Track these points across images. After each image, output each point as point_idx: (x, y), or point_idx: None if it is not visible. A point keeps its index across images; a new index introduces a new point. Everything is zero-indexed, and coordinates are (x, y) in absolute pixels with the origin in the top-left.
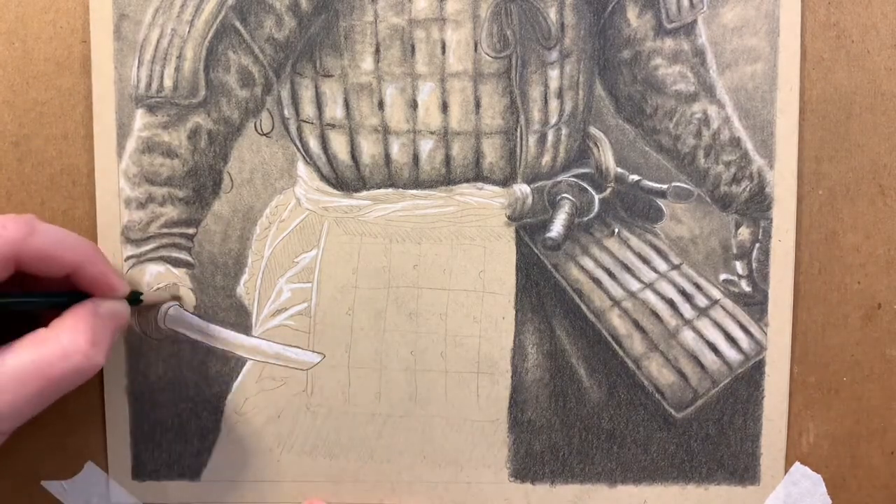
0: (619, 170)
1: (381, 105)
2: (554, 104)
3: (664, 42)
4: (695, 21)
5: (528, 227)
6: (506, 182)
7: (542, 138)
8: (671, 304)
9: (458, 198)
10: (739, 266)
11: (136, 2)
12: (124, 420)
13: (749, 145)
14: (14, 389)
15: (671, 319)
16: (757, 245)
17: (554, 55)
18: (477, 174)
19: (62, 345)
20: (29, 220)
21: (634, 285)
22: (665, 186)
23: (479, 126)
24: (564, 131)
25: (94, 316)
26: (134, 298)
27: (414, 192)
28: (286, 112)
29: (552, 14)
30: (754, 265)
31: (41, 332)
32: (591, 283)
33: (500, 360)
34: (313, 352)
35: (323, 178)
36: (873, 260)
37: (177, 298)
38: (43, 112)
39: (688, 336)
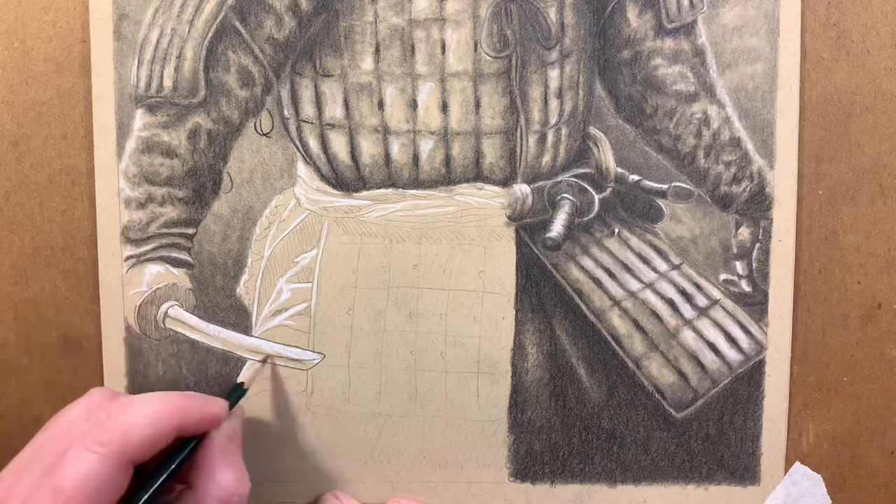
0: (619, 170)
1: (381, 105)
2: (554, 104)
3: (664, 42)
4: (695, 21)
5: (528, 227)
6: (506, 182)
7: (542, 138)
8: (671, 304)
9: (458, 198)
10: (739, 266)
11: (136, 2)
12: None
13: (749, 145)
14: None
15: (671, 319)
16: (757, 245)
17: (554, 55)
18: (477, 174)
19: (215, 498)
20: (114, 418)
21: (634, 285)
22: (665, 186)
23: (479, 126)
24: (564, 131)
25: (221, 452)
26: (238, 394)
27: (414, 192)
28: (286, 112)
29: (552, 14)
30: (754, 265)
31: (188, 494)
32: (591, 283)
33: (500, 360)
34: (313, 352)
35: (323, 178)
36: (873, 260)
37: (266, 365)
38: (42, 112)
39: (688, 336)
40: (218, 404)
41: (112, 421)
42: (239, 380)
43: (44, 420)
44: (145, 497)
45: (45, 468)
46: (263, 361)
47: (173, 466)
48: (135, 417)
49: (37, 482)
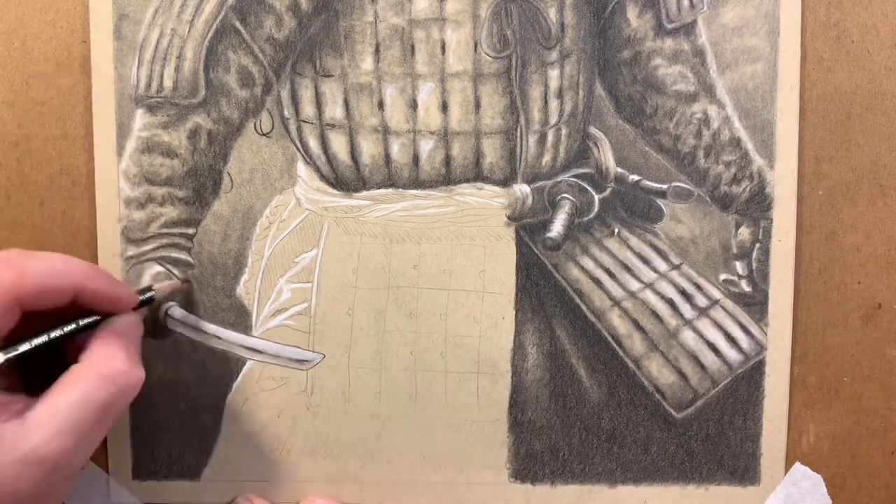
0: (619, 170)
1: (381, 105)
2: (554, 104)
3: (664, 42)
4: (695, 21)
5: (528, 227)
6: (506, 182)
7: (542, 138)
8: (671, 304)
9: (458, 198)
10: (739, 266)
11: (136, 2)
12: (124, 420)
13: (749, 145)
14: (73, 429)
15: (671, 319)
16: (757, 245)
17: (554, 55)
18: (477, 174)
19: (102, 373)
20: (14, 260)
21: (634, 285)
22: (665, 186)
23: (479, 126)
24: (564, 131)
25: (116, 335)
26: (146, 300)
27: (414, 192)
28: (286, 112)
29: (552, 14)
30: (754, 265)
31: (76, 369)
32: (591, 283)
33: (500, 360)
34: (313, 352)
35: (323, 178)
36: (873, 260)
37: (187, 284)
38: (42, 112)
39: (688, 336)
40: (128, 290)
41: (12, 261)
42: (154, 286)
43: None
44: (27, 343)
45: None
46: (185, 281)
47: (67, 328)
48: (35, 261)
49: None
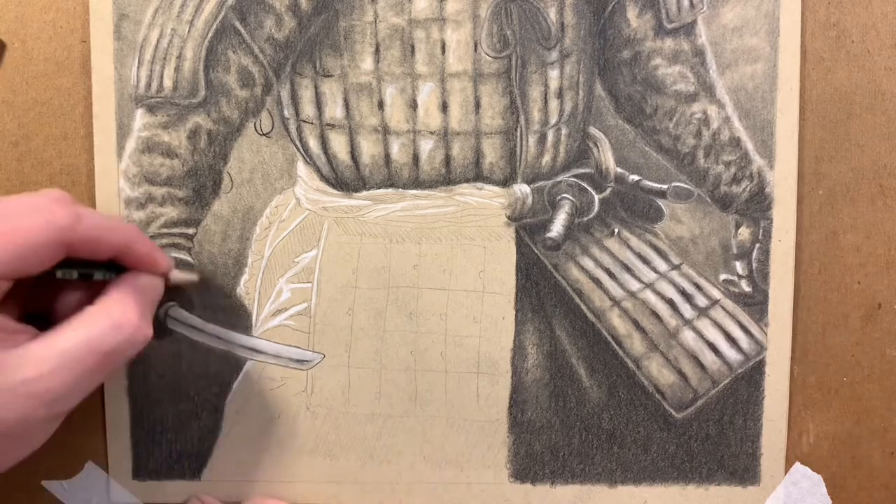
0: (619, 170)
1: (380, 105)
2: (554, 104)
3: (664, 42)
4: (695, 21)
5: (528, 227)
6: (506, 182)
7: (542, 138)
8: (671, 304)
9: (458, 198)
10: (739, 266)
11: (136, 2)
12: (124, 420)
13: (749, 145)
14: (70, 368)
15: (671, 319)
16: (757, 245)
17: (554, 55)
18: (477, 174)
19: (113, 318)
20: (72, 205)
21: (634, 285)
22: (665, 186)
23: (479, 126)
24: (564, 131)
25: (138, 289)
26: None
27: (414, 192)
28: (286, 112)
29: (552, 14)
30: (754, 265)
31: (89, 310)
32: (591, 283)
33: (500, 360)
34: (313, 352)
35: (323, 178)
36: (873, 260)
37: (196, 284)
38: (42, 112)
39: (688, 336)
40: (165, 257)
41: (70, 204)
42: (172, 272)
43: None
44: (75, 271)
45: None
46: (201, 280)
47: (108, 273)
48: (91, 211)
49: None
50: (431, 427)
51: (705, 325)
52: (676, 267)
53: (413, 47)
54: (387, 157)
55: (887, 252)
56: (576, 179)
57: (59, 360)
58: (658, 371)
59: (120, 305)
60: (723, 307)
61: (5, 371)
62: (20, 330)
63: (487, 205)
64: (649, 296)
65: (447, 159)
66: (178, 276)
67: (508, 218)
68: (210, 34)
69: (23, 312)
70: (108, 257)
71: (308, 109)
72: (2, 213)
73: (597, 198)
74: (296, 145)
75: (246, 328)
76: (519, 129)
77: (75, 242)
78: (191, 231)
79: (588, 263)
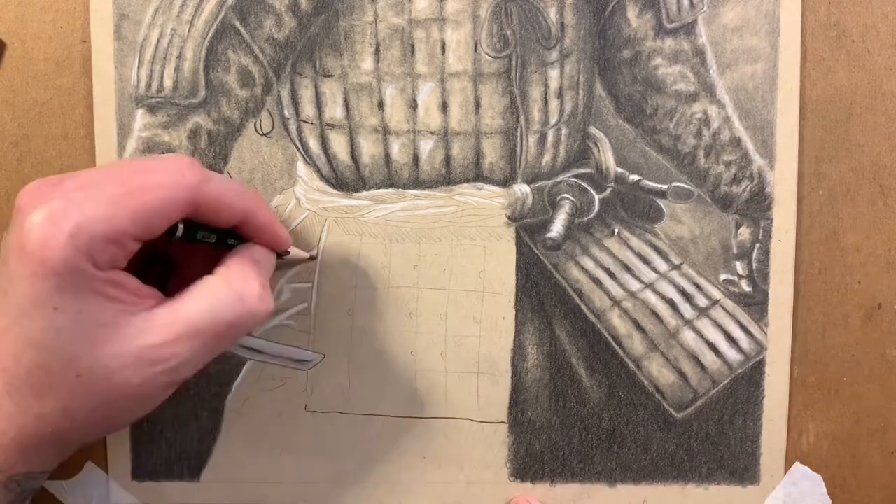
0: (620, 170)
1: (380, 105)
2: (554, 104)
3: (664, 42)
4: (695, 21)
5: (528, 227)
6: (506, 182)
7: (542, 138)
8: (671, 304)
9: (458, 198)
10: (739, 266)
11: (136, 2)
12: None
13: (749, 145)
14: (194, 336)
15: (671, 319)
16: (757, 245)
17: (554, 55)
18: (477, 174)
19: (235, 289)
20: (199, 167)
21: (634, 285)
22: (665, 186)
23: (479, 126)
24: (564, 131)
25: (256, 261)
26: (285, 252)
27: (414, 192)
28: (286, 112)
29: (552, 14)
30: (754, 265)
31: (210, 280)
32: (591, 283)
33: (500, 360)
34: (313, 352)
35: (323, 178)
36: (873, 260)
37: (311, 262)
38: (43, 112)
39: (688, 336)
40: (286, 232)
41: (198, 166)
42: (292, 249)
43: None
44: (213, 234)
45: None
46: (312, 258)
47: (230, 240)
48: (218, 175)
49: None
50: (431, 427)
51: (705, 325)
52: (676, 267)
53: (413, 47)
54: (387, 157)
55: (887, 252)
56: (576, 179)
57: (183, 329)
58: (658, 371)
59: (242, 278)
60: (723, 307)
61: (131, 335)
62: (148, 294)
63: (487, 205)
64: (649, 296)
65: (447, 159)
66: (296, 252)
67: (508, 218)
68: (210, 34)
69: (144, 275)
70: (229, 224)
71: (308, 109)
72: (132, 170)
73: (597, 198)
74: (296, 145)
75: None
76: (519, 129)
77: (202, 203)
78: None
79: (588, 263)
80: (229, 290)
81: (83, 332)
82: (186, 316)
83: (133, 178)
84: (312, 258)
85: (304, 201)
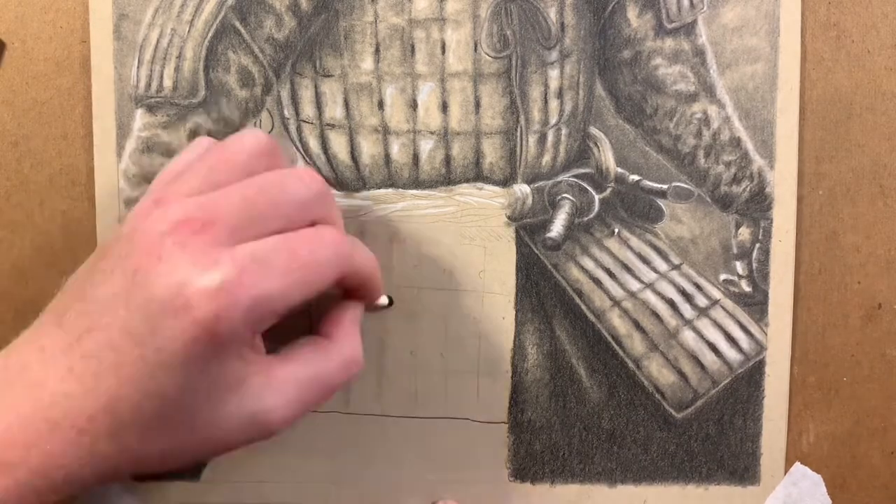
0: (620, 170)
1: (380, 105)
2: (554, 104)
3: (664, 42)
4: (695, 21)
5: (528, 227)
6: (506, 182)
7: (542, 138)
8: (671, 304)
9: (458, 198)
10: (739, 266)
11: (136, 2)
12: None
13: (749, 145)
14: (301, 401)
15: (671, 319)
16: (757, 245)
17: (554, 55)
18: (477, 174)
19: (344, 356)
20: (347, 238)
21: (634, 285)
22: (665, 186)
23: (479, 126)
24: (564, 131)
25: (356, 320)
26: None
27: (414, 192)
28: (286, 112)
29: (552, 14)
30: (754, 265)
31: (321, 342)
32: (591, 283)
33: (500, 360)
34: None
35: (323, 178)
36: (873, 260)
37: (388, 308)
38: (42, 112)
39: (688, 336)
40: (382, 291)
41: (347, 238)
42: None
43: None
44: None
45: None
46: (387, 306)
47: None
48: (358, 242)
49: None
50: (431, 427)
51: (705, 325)
52: (676, 267)
53: (413, 47)
54: (387, 157)
55: (887, 252)
56: (576, 179)
57: (293, 396)
58: (658, 371)
59: (351, 343)
60: (723, 307)
61: (252, 395)
62: (262, 348)
63: (487, 205)
64: (649, 296)
65: (447, 159)
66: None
67: (508, 218)
68: (210, 34)
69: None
70: (351, 286)
71: (308, 109)
72: (298, 240)
73: (597, 198)
74: (296, 145)
75: None
76: (519, 129)
77: (348, 275)
78: None
79: (588, 263)
80: (339, 355)
81: (216, 392)
82: (297, 380)
83: (301, 248)
84: (387, 306)
85: None
